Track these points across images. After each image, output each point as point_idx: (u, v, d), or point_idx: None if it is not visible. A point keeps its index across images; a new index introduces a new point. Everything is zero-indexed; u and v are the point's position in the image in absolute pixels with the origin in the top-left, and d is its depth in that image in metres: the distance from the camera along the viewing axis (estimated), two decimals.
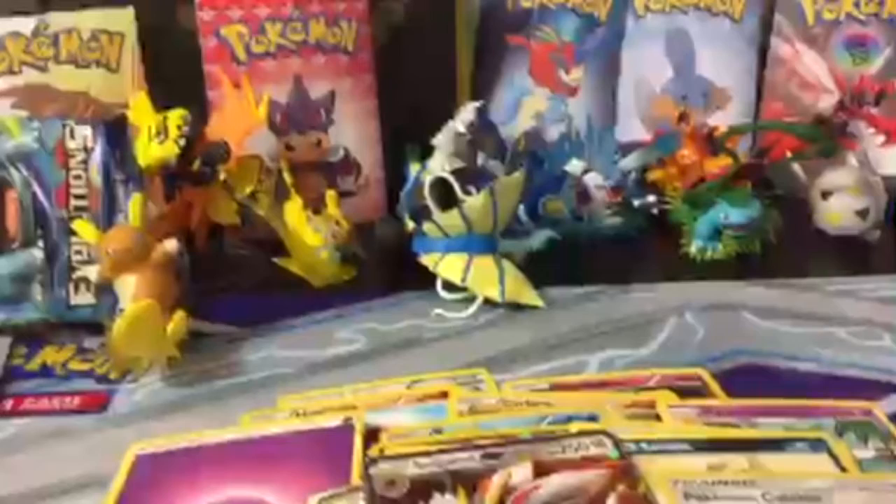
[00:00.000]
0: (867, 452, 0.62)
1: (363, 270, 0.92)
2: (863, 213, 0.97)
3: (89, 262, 0.82)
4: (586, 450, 0.59)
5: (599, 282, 0.91)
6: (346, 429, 0.64)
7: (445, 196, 0.87)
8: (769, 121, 1.13)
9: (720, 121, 1.11)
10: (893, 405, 0.68)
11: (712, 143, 1.02)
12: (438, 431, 0.64)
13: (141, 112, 0.94)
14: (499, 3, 1.13)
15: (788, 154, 1.00)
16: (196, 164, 0.91)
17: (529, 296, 0.87)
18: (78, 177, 0.83)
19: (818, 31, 1.13)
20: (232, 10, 1.00)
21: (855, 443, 0.63)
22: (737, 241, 0.95)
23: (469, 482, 0.56)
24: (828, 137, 0.98)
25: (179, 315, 0.76)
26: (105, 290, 0.81)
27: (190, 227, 0.90)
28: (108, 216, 0.83)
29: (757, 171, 0.99)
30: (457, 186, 0.87)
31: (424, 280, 0.89)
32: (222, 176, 0.92)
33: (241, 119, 0.96)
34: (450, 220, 0.86)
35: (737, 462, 0.60)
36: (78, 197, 0.83)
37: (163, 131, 0.89)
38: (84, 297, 0.82)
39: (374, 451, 0.61)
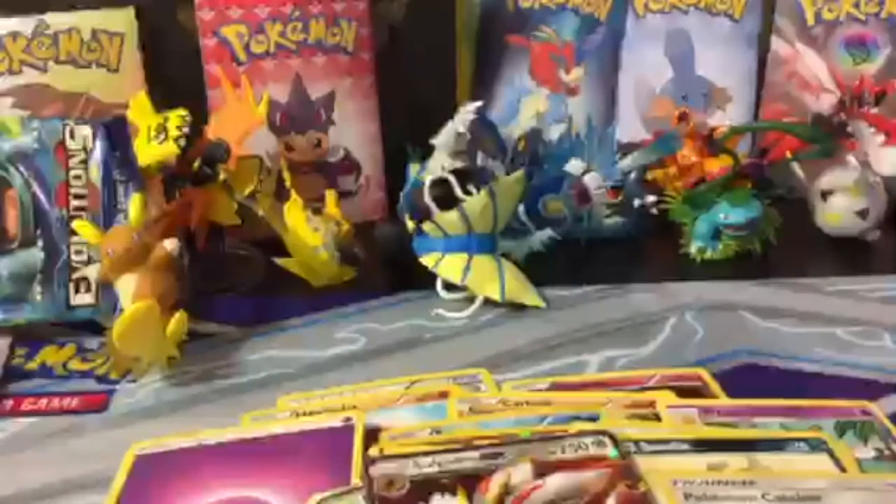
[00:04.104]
0: (867, 452, 0.62)
1: (363, 270, 0.92)
2: (863, 213, 0.97)
3: (89, 262, 0.82)
4: (586, 450, 0.59)
5: (599, 282, 0.91)
6: (346, 429, 0.64)
7: (445, 196, 0.87)
8: (769, 121, 1.12)
9: (720, 121, 1.11)
10: (893, 405, 0.68)
11: (712, 143, 1.02)
12: (438, 431, 0.65)
13: (141, 112, 0.94)
14: (499, 3, 1.12)
15: (788, 154, 1.00)
16: (196, 164, 0.90)
17: (529, 296, 0.87)
18: (78, 177, 0.83)
19: (818, 31, 1.13)
20: (232, 9, 1.00)
21: (855, 443, 0.63)
22: (737, 241, 0.95)
23: (469, 482, 0.56)
24: (828, 137, 0.98)
25: (179, 315, 0.76)
26: (105, 290, 0.81)
27: (190, 227, 0.90)
28: (108, 216, 0.82)
29: (757, 171, 0.99)
30: (457, 186, 0.87)
31: (424, 280, 0.89)
32: (222, 176, 0.91)
33: (241, 119, 0.96)
34: (450, 220, 0.86)
35: (737, 462, 0.60)
36: (78, 197, 0.83)
37: (163, 131, 0.89)
38: (84, 297, 0.82)
39: (374, 451, 0.61)
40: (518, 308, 0.87)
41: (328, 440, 0.64)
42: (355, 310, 0.88)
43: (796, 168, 1.01)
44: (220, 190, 0.92)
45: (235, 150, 0.92)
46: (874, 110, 0.98)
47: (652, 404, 0.67)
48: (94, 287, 0.82)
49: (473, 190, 0.87)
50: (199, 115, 0.94)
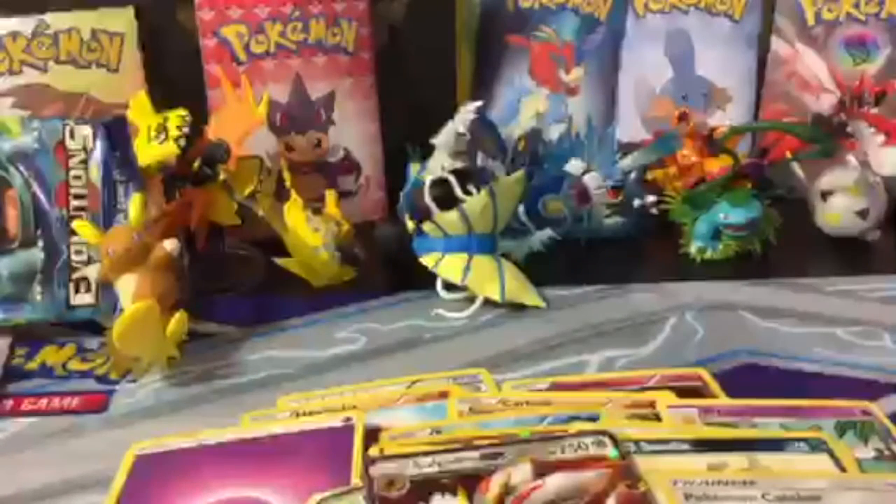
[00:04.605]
0: (867, 452, 0.62)
1: (363, 270, 0.92)
2: (863, 213, 0.97)
3: (89, 262, 0.82)
4: (586, 450, 0.59)
5: (599, 282, 0.91)
6: (346, 429, 0.64)
7: (445, 196, 0.87)
8: (769, 121, 1.12)
9: (720, 121, 1.11)
10: (893, 405, 0.68)
11: (712, 143, 1.02)
12: (438, 431, 0.65)
13: (141, 112, 0.94)
14: (499, 3, 1.13)
15: (788, 154, 1.00)
16: (196, 164, 0.90)
17: (529, 296, 0.87)
18: (78, 177, 0.83)
19: (818, 31, 1.13)
20: (232, 10, 1.00)
21: (855, 443, 0.63)
22: (737, 241, 0.95)
23: (469, 482, 0.56)
24: (828, 137, 0.98)
25: (179, 315, 0.76)
26: (105, 290, 0.81)
27: (190, 227, 0.90)
28: (108, 216, 0.82)
29: (757, 171, 0.99)
30: (457, 186, 0.87)
31: (424, 280, 0.89)
32: (222, 176, 0.91)
33: (241, 119, 0.96)
34: (450, 220, 0.86)
35: (737, 462, 0.60)
36: (78, 197, 0.83)
37: (163, 131, 0.89)
38: (84, 297, 0.82)
39: (374, 451, 0.61)
40: (518, 308, 0.87)
41: (328, 440, 0.64)
42: (355, 310, 0.88)
43: (796, 168, 1.01)
44: (220, 190, 0.92)
45: (235, 150, 0.92)
46: (874, 110, 0.98)
47: (652, 404, 0.67)
48: (94, 287, 0.82)
49: (473, 190, 0.87)
50: (199, 115, 0.94)
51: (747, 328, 0.82)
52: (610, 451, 0.59)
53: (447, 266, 0.87)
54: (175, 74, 1.04)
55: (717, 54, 1.15)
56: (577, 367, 0.77)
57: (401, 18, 1.11)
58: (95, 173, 0.83)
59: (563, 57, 1.14)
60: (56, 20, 1.01)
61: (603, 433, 0.60)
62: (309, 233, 0.90)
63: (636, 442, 0.61)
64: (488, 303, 0.86)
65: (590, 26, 1.14)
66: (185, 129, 0.88)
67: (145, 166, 0.86)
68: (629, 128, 1.13)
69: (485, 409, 0.68)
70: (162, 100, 0.95)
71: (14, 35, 1.00)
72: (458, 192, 0.87)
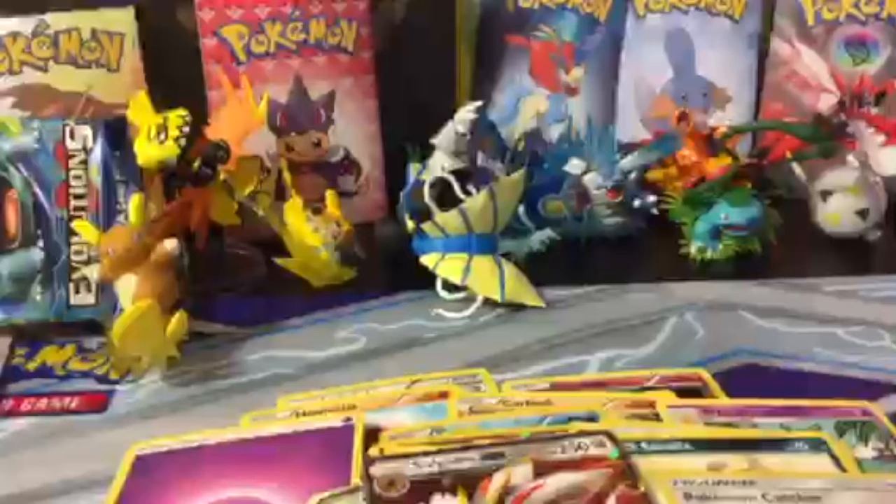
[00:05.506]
0: (867, 452, 0.62)
1: (363, 270, 0.92)
2: (863, 213, 0.97)
3: (89, 262, 0.82)
4: (586, 450, 0.59)
5: (599, 282, 0.91)
6: (346, 429, 0.64)
7: (445, 196, 0.87)
8: (769, 121, 1.12)
9: (720, 121, 1.11)
10: (893, 405, 0.68)
11: (712, 143, 1.02)
12: (438, 431, 0.65)
13: (141, 112, 0.94)
14: (499, 3, 1.13)
15: (788, 154, 1.00)
16: (196, 164, 0.90)
17: (529, 296, 0.87)
18: (78, 177, 0.83)
19: (818, 31, 1.13)
20: (232, 9, 1.00)
21: (855, 443, 0.63)
22: (737, 241, 0.95)
23: (469, 482, 0.56)
24: (828, 137, 0.98)
25: (179, 315, 0.76)
26: (105, 290, 0.81)
27: (190, 227, 0.90)
28: (108, 216, 0.83)
29: (757, 171, 0.99)
30: (457, 186, 0.87)
31: (424, 280, 0.89)
32: (222, 176, 0.92)
33: (241, 119, 0.96)
34: (450, 220, 0.87)
35: (737, 462, 0.60)
36: (78, 197, 0.83)
37: (163, 131, 0.88)
38: (84, 297, 0.82)
39: (374, 451, 0.61)
40: (518, 308, 0.87)
41: (328, 440, 0.64)
42: (355, 310, 0.88)
43: (796, 168, 1.01)
44: (220, 190, 0.92)
45: (235, 150, 0.92)
46: (874, 110, 0.98)
47: (652, 404, 0.67)
48: (94, 287, 0.82)
49: (473, 190, 0.87)
50: (199, 115, 0.94)
51: (747, 328, 0.82)
52: (610, 451, 0.59)
53: (447, 266, 0.87)
54: (175, 74, 1.04)
55: (717, 54, 1.15)
56: (576, 367, 0.77)
57: (401, 18, 1.11)
58: (95, 173, 0.83)
59: (563, 57, 1.14)
60: (56, 20, 1.01)
61: (603, 433, 0.60)
62: (309, 233, 0.90)
63: (636, 442, 0.61)
64: (488, 303, 0.86)
65: (590, 26, 1.14)
66: (185, 129, 0.88)
67: (145, 166, 0.86)
68: (629, 128, 1.13)
69: (485, 409, 0.68)
70: (162, 100, 0.94)
71: (14, 35, 1.00)
72: (458, 192, 0.87)
